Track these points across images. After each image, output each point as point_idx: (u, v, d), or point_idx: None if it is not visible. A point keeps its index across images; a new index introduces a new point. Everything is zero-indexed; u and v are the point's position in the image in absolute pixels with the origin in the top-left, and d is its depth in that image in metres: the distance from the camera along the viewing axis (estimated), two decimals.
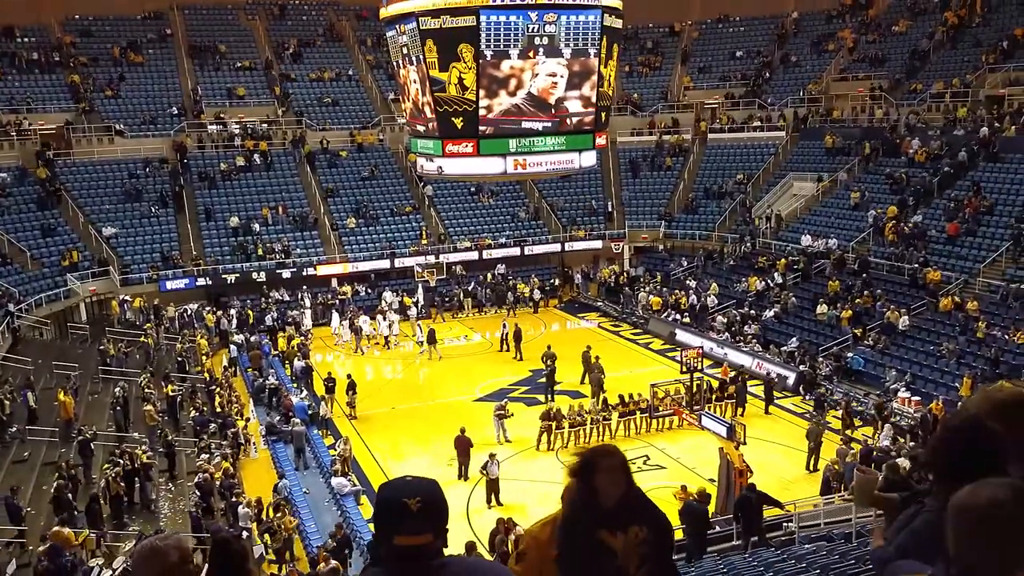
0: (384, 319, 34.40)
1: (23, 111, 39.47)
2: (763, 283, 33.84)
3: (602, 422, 23.68)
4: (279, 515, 17.62)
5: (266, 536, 17.23)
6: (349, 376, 26.81)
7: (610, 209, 42.91)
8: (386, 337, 33.74)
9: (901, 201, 33.48)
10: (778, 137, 43.11)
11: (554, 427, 23.06)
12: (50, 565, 14.24)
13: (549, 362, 27.76)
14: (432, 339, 32.28)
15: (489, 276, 39.47)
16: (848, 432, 22.43)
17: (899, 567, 2.56)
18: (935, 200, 32.95)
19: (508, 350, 31.89)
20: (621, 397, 24.15)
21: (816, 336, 29.71)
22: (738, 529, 15.59)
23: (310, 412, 25.20)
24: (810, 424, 22.84)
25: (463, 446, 21.41)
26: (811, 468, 21.20)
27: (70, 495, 17.40)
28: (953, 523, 1.99)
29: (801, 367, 27.40)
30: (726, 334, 31.35)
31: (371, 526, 17.28)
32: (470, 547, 14.33)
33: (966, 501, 1.98)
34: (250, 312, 34.84)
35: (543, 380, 27.51)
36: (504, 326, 32.73)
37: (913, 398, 24.08)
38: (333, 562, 14.92)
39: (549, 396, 26.48)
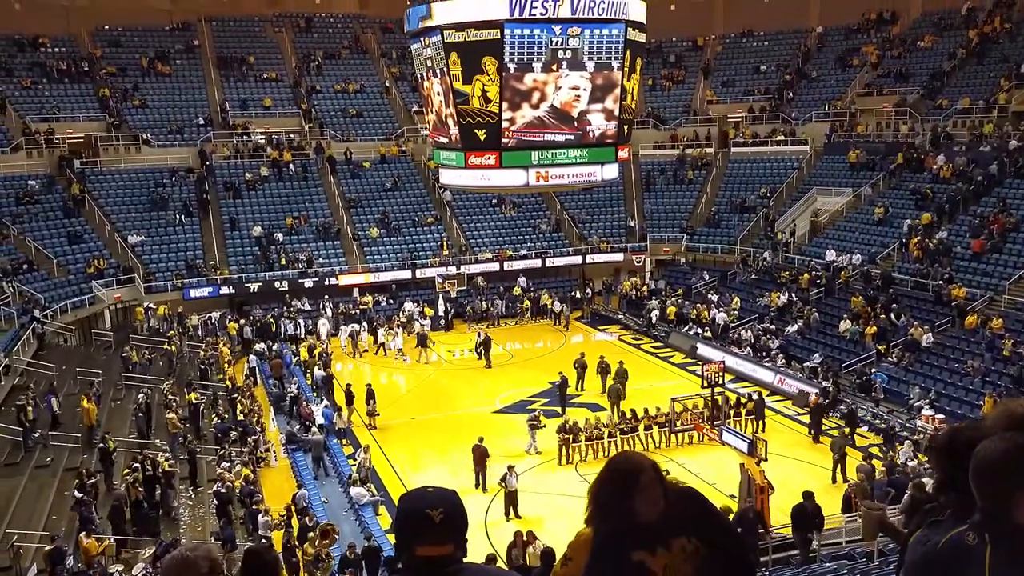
0: (393, 329, 34.70)
1: (52, 120, 39.97)
2: (785, 296, 33.64)
3: (620, 435, 23.57)
4: (326, 542, 16.50)
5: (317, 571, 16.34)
6: (368, 386, 26.91)
7: (632, 223, 42.85)
8: (380, 344, 34.11)
9: (938, 208, 33.21)
10: (802, 151, 42.91)
11: (571, 440, 23.03)
12: (51, 567, 14.54)
13: (580, 371, 28.33)
14: (423, 342, 32.92)
15: (518, 290, 39.53)
16: (886, 452, 22.27)
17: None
18: (960, 216, 32.67)
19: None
20: (633, 412, 24.11)
21: (839, 352, 29.48)
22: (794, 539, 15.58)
23: (330, 420, 25.31)
24: (835, 437, 22.70)
25: (480, 455, 21.48)
26: (840, 479, 21.10)
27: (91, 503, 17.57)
28: (973, 477, 2.39)
29: (824, 383, 27.18)
30: (748, 349, 31.18)
31: (390, 537, 17.29)
32: (491, 559, 14.29)
33: (979, 454, 2.40)
34: (272, 320, 35.10)
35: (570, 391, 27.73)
36: (479, 335, 33.05)
37: (937, 416, 23.83)
38: None
39: (562, 408, 26.54)
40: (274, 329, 34.65)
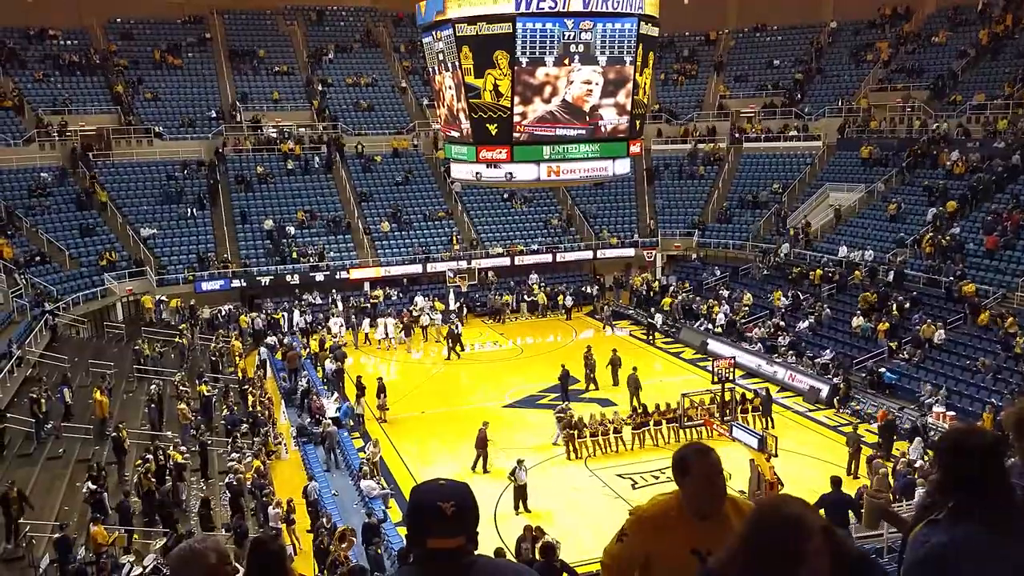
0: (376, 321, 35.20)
1: (65, 112, 40.10)
2: (790, 297, 33.50)
3: (631, 430, 23.56)
4: (344, 545, 15.67)
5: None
6: (380, 379, 26.98)
7: (650, 223, 42.72)
8: (366, 335, 34.72)
9: (962, 197, 32.96)
10: (814, 147, 42.70)
11: (576, 435, 23.05)
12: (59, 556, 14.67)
13: (591, 364, 28.59)
14: (408, 332, 34.12)
15: (535, 287, 39.52)
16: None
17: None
18: (974, 212, 32.47)
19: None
20: (644, 407, 24.10)
21: (851, 348, 29.36)
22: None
23: (348, 415, 25.39)
24: (849, 432, 22.61)
25: (480, 440, 22.01)
26: (851, 473, 20.95)
27: (105, 494, 17.65)
28: (1015, 435, 2.39)
29: (835, 379, 27.08)
30: (759, 345, 31.09)
31: (400, 530, 17.32)
32: (498, 553, 14.31)
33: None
34: (281, 314, 35.20)
35: (578, 386, 28.00)
36: (457, 325, 33.73)
37: (948, 413, 23.71)
38: None
39: (564, 399, 26.61)
40: (283, 323, 34.74)
